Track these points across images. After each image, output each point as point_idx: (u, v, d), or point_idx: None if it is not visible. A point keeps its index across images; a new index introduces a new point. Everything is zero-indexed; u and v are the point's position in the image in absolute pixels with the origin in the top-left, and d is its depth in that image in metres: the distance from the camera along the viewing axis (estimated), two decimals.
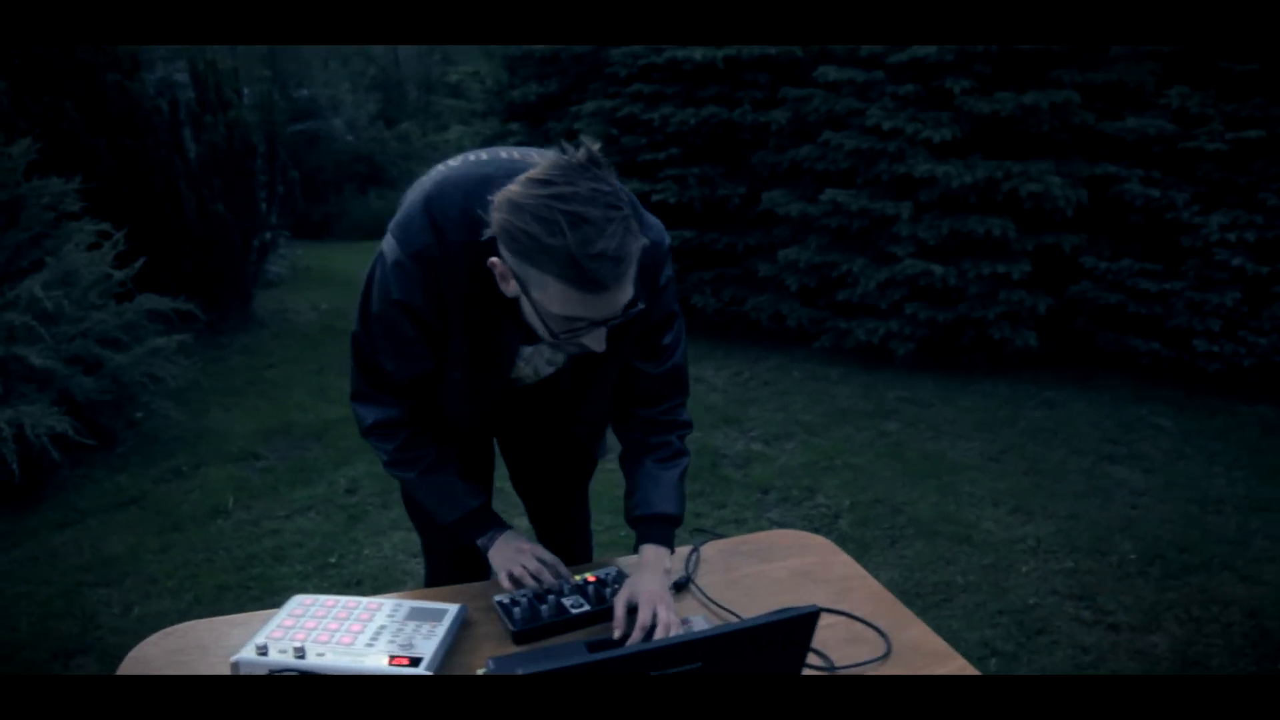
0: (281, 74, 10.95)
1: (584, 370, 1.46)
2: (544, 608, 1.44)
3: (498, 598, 1.48)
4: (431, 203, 1.26)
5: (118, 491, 3.23)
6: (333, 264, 7.38)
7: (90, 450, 3.41)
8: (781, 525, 3.05)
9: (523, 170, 1.18)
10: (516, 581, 1.50)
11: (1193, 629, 2.52)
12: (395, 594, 1.51)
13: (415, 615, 1.41)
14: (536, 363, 1.49)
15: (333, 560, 2.82)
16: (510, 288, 1.20)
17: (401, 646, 1.32)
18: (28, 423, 2.92)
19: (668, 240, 1.43)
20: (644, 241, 1.17)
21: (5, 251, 3.72)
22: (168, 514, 3.09)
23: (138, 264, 3.90)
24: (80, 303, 3.60)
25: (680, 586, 1.55)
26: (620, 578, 1.52)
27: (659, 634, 1.34)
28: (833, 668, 1.36)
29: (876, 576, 2.68)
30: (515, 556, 1.51)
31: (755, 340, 5.04)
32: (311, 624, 1.37)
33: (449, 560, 1.77)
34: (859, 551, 2.88)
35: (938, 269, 4.32)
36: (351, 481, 3.38)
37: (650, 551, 1.47)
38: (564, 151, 1.13)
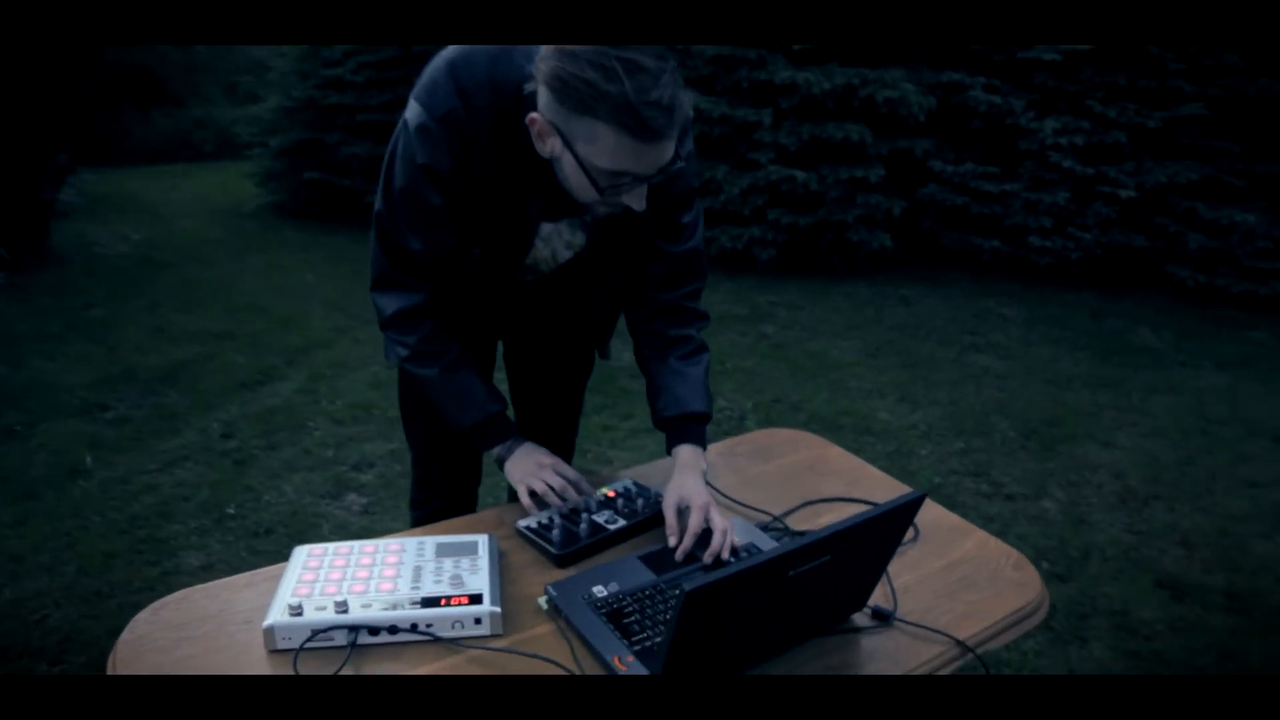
0: None
1: (604, 251, 1.41)
2: (581, 527, 1.37)
3: (522, 522, 1.40)
4: (456, 67, 1.21)
5: None
6: (129, 191, 6.55)
7: None
8: None
9: (542, 46, 1.16)
10: (538, 499, 1.41)
11: (1073, 492, 2.80)
12: (405, 533, 1.38)
13: (446, 551, 1.30)
14: (555, 245, 1.41)
15: (230, 511, 2.55)
16: (549, 145, 1.17)
17: (452, 584, 1.21)
18: None
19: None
20: (691, 94, 1.14)
21: None
22: (13, 480, 2.67)
23: None
24: None
25: None
26: (641, 491, 1.47)
27: (716, 540, 1.31)
28: None
29: None
30: (537, 471, 1.43)
31: None
32: (336, 574, 1.23)
33: (442, 477, 1.68)
34: None
35: (799, 174, 4.42)
36: (225, 425, 3.06)
37: (687, 452, 1.44)
38: None
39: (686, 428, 1.45)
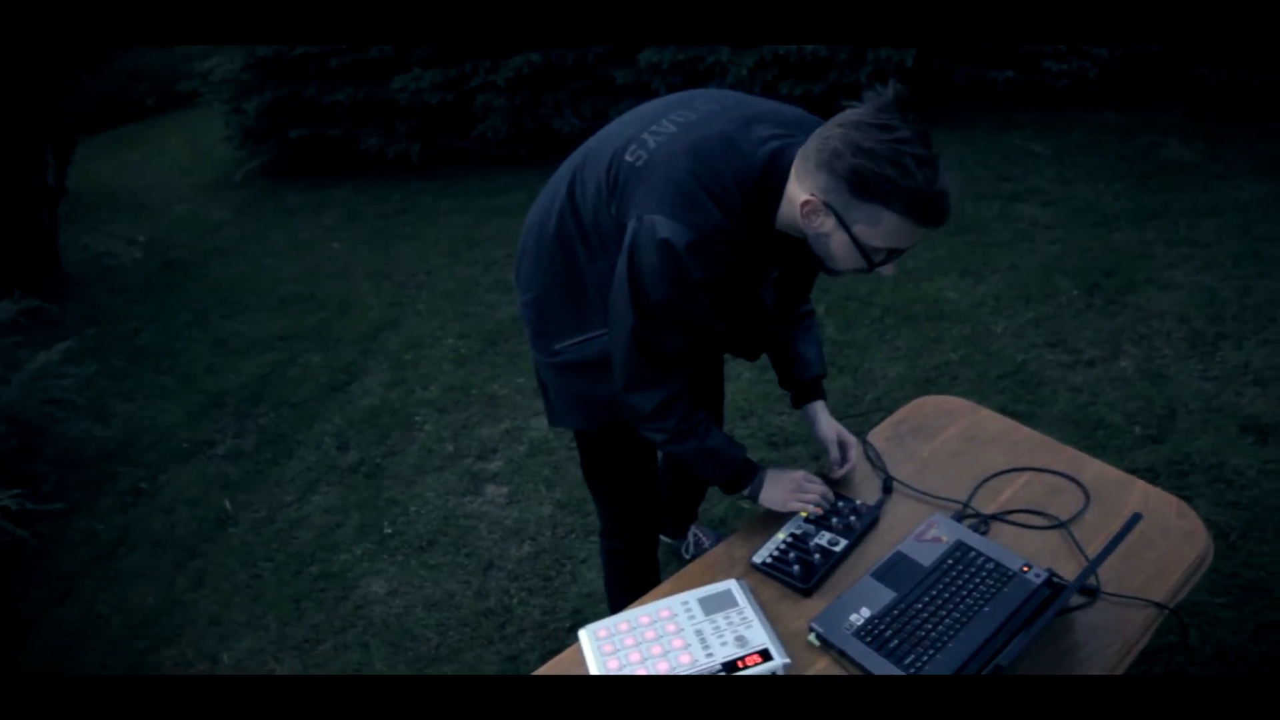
0: None
1: (795, 276, 1.63)
2: (815, 557, 1.53)
3: (757, 558, 1.55)
4: (700, 176, 1.31)
5: (91, 538, 2.88)
6: (99, 179, 6.30)
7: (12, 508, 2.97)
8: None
9: (739, 119, 1.36)
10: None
11: (1146, 346, 2.96)
12: (659, 594, 1.52)
13: (710, 606, 1.46)
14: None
15: (388, 530, 2.71)
16: (816, 223, 1.31)
17: (738, 643, 1.37)
18: None
19: None
20: (959, 179, 1.28)
21: None
22: (168, 542, 2.81)
23: None
24: None
25: (888, 489, 1.67)
26: (848, 504, 1.62)
27: (848, 468, 1.70)
28: (1060, 522, 1.56)
29: (886, 374, 2.95)
30: (794, 494, 1.62)
31: None
32: (635, 656, 1.39)
33: (635, 513, 1.88)
34: (859, 354, 3.11)
35: (807, 46, 4.32)
36: (336, 437, 3.17)
37: (821, 405, 1.76)
38: (876, 92, 1.25)
39: (818, 386, 1.77)
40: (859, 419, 2.79)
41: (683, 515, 2.32)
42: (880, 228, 1.25)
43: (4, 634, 2.57)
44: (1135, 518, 1.32)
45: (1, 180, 4.08)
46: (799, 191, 1.30)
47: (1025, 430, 1.79)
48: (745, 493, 1.62)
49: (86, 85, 9.17)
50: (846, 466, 1.70)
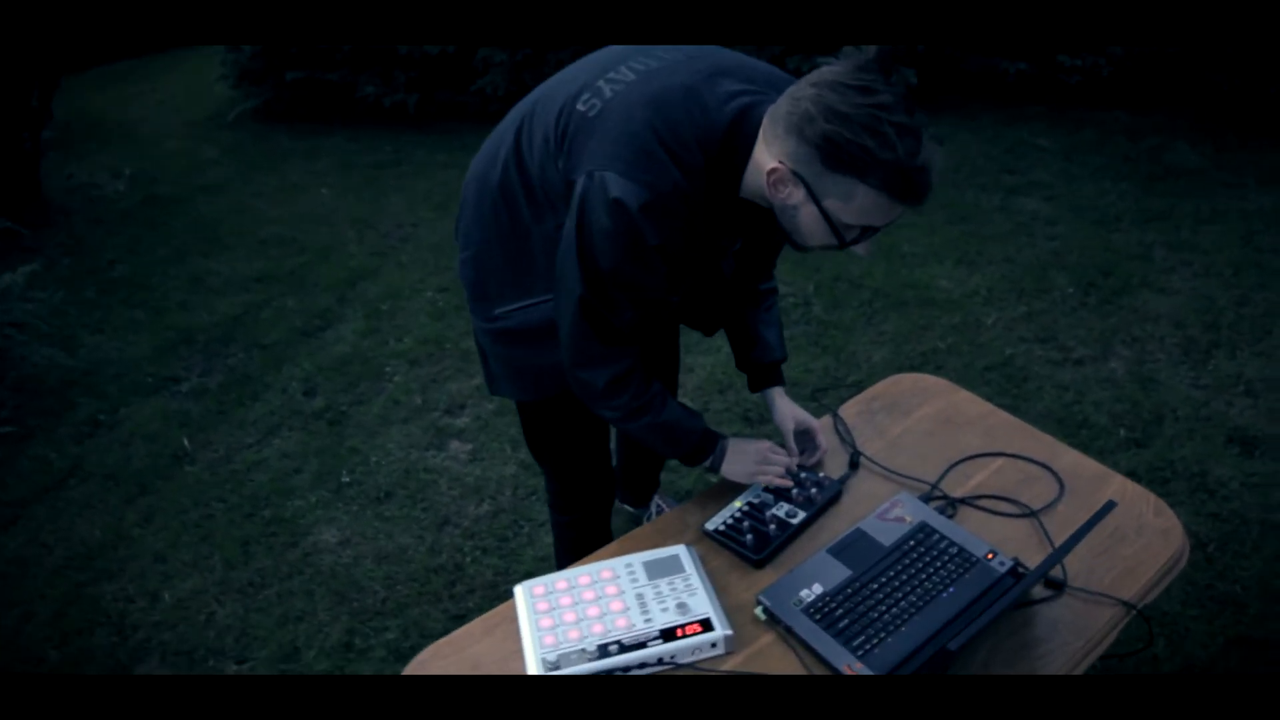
0: None
1: (756, 247, 1.53)
2: (770, 527, 1.46)
3: (709, 525, 1.48)
4: (660, 133, 1.18)
5: (44, 466, 2.80)
6: (95, 109, 6.18)
7: None
8: None
9: (704, 71, 1.22)
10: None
11: (1138, 349, 2.89)
12: (605, 555, 1.46)
13: (655, 571, 1.40)
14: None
15: (345, 479, 2.64)
16: (784, 194, 1.18)
17: (679, 610, 1.31)
18: None
19: None
20: (942, 151, 1.16)
21: None
22: (121, 476, 2.73)
23: None
24: None
25: (854, 464, 1.60)
26: (810, 476, 1.55)
27: (818, 456, 1.60)
28: (1031, 511, 1.49)
29: (869, 358, 2.88)
30: (759, 467, 1.53)
31: None
32: (569, 616, 1.32)
33: (584, 485, 1.80)
34: (845, 336, 3.03)
35: None
36: (304, 383, 3.09)
37: (780, 390, 1.67)
38: (857, 49, 1.13)
39: (777, 371, 1.67)
40: (833, 396, 2.72)
41: (644, 484, 2.24)
42: (854, 203, 1.13)
43: None
44: (1109, 505, 1.24)
45: None
46: (766, 158, 1.17)
47: (1004, 415, 1.72)
48: (706, 465, 1.54)
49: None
50: (818, 454, 1.60)
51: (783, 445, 1.59)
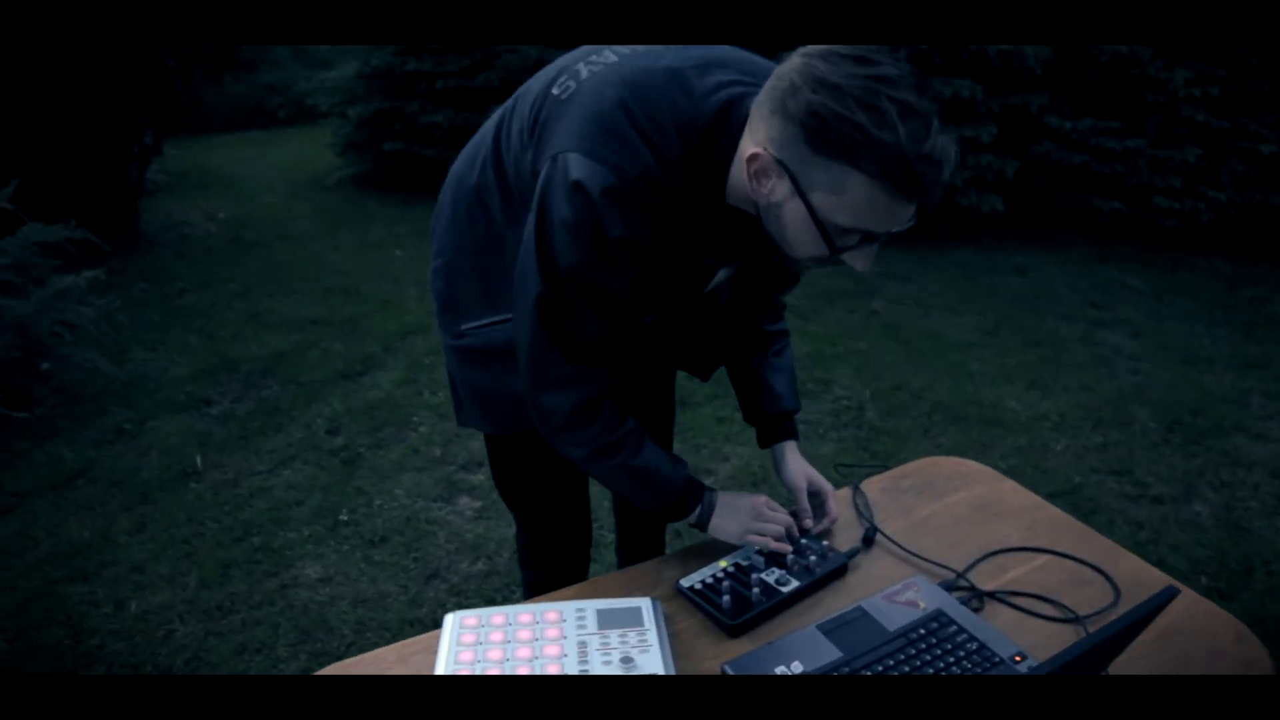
0: None
1: (752, 280, 1.32)
2: (754, 591, 1.25)
3: (685, 582, 1.28)
4: (632, 111, 1.01)
5: (57, 464, 2.76)
6: (208, 165, 6.57)
7: (5, 419, 2.89)
8: (809, 422, 2.94)
9: (695, 59, 1.06)
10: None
11: (1227, 494, 2.58)
12: (561, 595, 1.27)
13: (609, 620, 1.19)
14: (715, 282, 1.29)
15: (344, 518, 2.51)
16: (767, 188, 1.00)
17: (622, 664, 1.10)
18: None
19: None
20: (957, 147, 0.97)
21: None
22: (127, 483, 2.67)
23: (9, 187, 3.26)
24: None
25: (869, 540, 1.39)
26: (812, 544, 1.34)
27: (826, 522, 1.39)
28: (1076, 617, 1.24)
29: None
30: (753, 523, 1.30)
31: None
32: (495, 654, 1.13)
33: (555, 538, 1.56)
34: (897, 444, 2.81)
35: None
36: (329, 421, 3.02)
37: (793, 445, 1.46)
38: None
39: (788, 423, 1.47)
40: (859, 474, 2.47)
41: (644, 549, 2.01)
42: (845, 196, 0.93)
43: None
44: (1169, 592, 0.99)
45: (102, 128, 4.20)
46: (749, 145, 0.99)
47: (1054, 510, 1.49)
48: (691, 521, 1.32)
49: (231, 89, 9.73)
50: (826, 521, 1.38)
51: (785, 506, 1.40)
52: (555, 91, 1.10)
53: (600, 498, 2.38)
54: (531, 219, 1.06)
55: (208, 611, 2.15)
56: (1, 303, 2.94)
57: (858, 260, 1.02)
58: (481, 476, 2.70)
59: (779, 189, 0.98)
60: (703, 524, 1.34)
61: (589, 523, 1.59)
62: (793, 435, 1.48)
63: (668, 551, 2.04)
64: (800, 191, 0.96)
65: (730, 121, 1.03)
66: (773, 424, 1.47)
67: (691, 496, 1.30)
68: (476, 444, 2.86)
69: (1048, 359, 3.33)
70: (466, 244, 1.26)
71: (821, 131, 0.90)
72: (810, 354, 3.40)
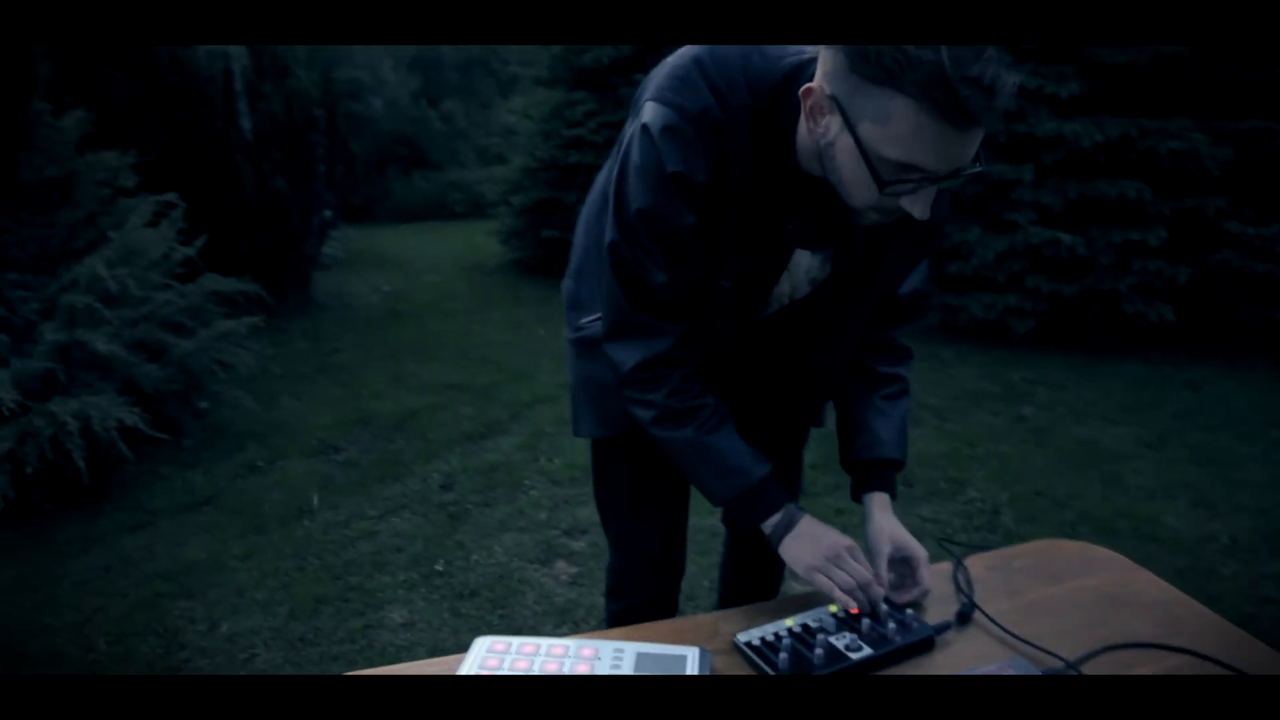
0: (321, 54, 10.68)
1: (848, 285, 1.19)
2: (816, 652, 1.10)
3: (742, 637, 1.15)
4: (703, 63, 1.03)
5: (190, 490, 2.93)
6: (385, 247, 7.10)
7: (155, 445, 3.11)
8: (935, 521, 2.71)
9: (786, 50, 1.04)
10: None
11: None
12: (600, 633, 1.18)
13: (647, 664, 1.08)
14: (798, 277, 1.19)
15: (439, 568, 2.49)
16: (822, 125, 0.97)
17: None
18: (95, 415, 2.62)
19: None
20: (1018, 78, 0.88)
21: (60, 231, 3.44)
22: (248, 514, 2.79)
23: (200, 241, 3.60)
24: (143, 283, 3.30)
25: (965, 617, 1.21)
26: (893, 612, 1.18)
27: (916, 593, 1.22)
28: None
29: None
30: (824, 562, 1.17)
31: None
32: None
33: (647, 567, 1.46)
34: None
35: (1064, 237, 3.93)
36: (445, 477, 3.06)
37: (882, 499, 1.29)
38: None
39: (885, 475, 1.31)
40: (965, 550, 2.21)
41: (750, 586, 1.81)
42: (891, 126, 0.89)
43: (67, 537, 2.62)
44: None
45: (289, 202, 4.62)
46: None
47: (1199, 607, 1.26)
48: (768, 529, 1.20)
49: (418, 185, 10.61)
50: (915, 591, 1.22)
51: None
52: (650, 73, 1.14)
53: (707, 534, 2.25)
54: (615, 172, 1.10)
55: (291, 641, 2.17)
56: (170, 341, 3.21)
57: (915, 205, 0.94)
58: (583, 543, 2.64)
59: (832, 125, 0.95)
60: (774, 541, 1.21)
61: (683, 551, 1.50)
62: (887, 488, 1.31)
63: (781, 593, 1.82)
64: (849, 125, 0.92)
65: (800, 82, 1.00)
66: (865, 472, 1.32)
67: (766, 500, 1.19)
68: (584, 512, 2.81)
69: (1218, 476, 2.95)
70: (593, 244, 1.29)
71: (865, 54, 0.88)
72: (946, 453, 3.17)
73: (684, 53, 1.06)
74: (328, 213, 5.07)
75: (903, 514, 2.74)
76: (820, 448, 2.88)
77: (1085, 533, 2.64)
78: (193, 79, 4.50)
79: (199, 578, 2.43)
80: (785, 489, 1.29)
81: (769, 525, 1.20)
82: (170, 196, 3.43)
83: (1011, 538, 2.62)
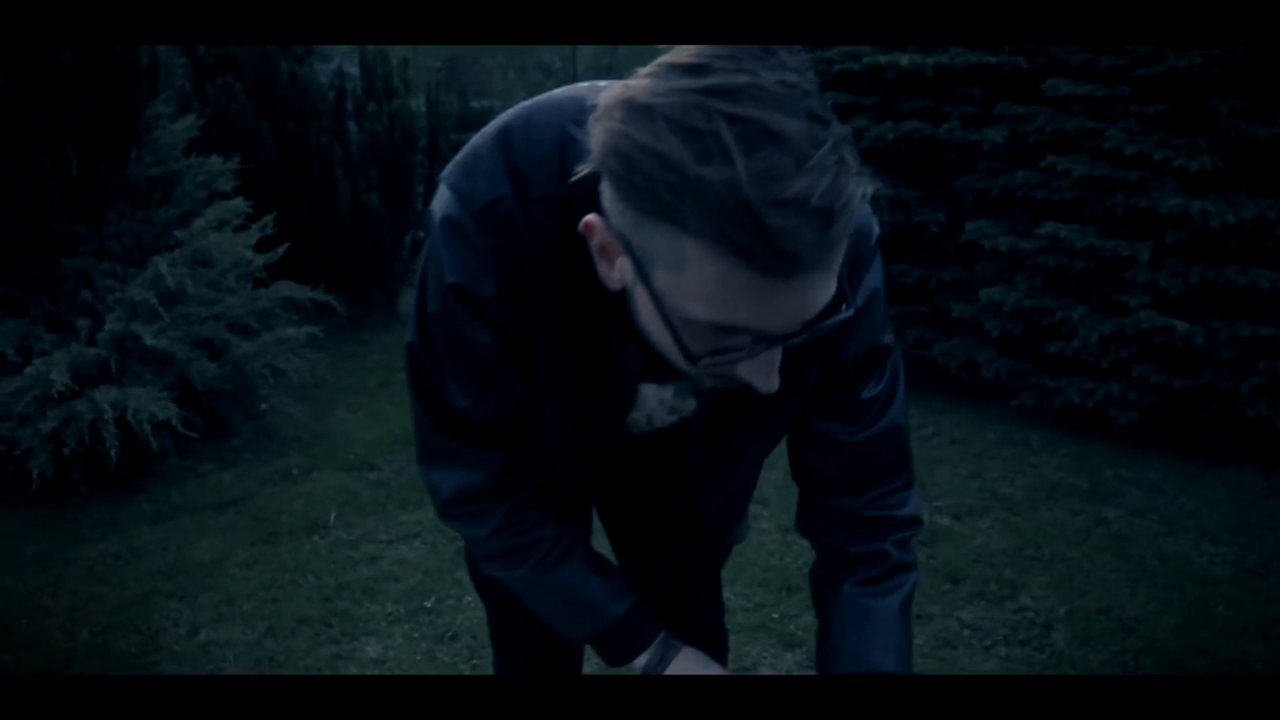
0: (460, 83, 11.08)
1: (724, 424, 0.94)
2: None
3: None
4: (510, 137, 0.79)
5: (220, 490, 2.98)
6: None
7: (204, 441, 3.19)
8: (975, 628, 2.42)
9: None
10: None
11: None
12: None
13: None
14: (651, 408, 0.97)
15: (428, 605, 2.40)
16: (616, 270, 0.71)
17: None
18: (131, 406, 2.69)
19: (877, 227, 0.89)
20: (866, 189, 0.63)
21: (155, 227, 3.61)
22: (265, 522, 2.79)
23: (280, 250, 3.71)
24: (216, 285, 3.42)
25: None
26: None
27: None
28: None
29: None
30: None
31: (941, 390, 4.36)
32: None
33: (529, 649, 1.27)
34: None
35: (1180, 325, 3.53)
36: None
37: None
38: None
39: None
40: None
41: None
42: (688, 274, 0.63)
43: (92, 521, 2.70)
44: None
45: (380, 218, 4.75)
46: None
47: None
48: (639, 669, 1.00)
49: None
50: None
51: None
52: None
53: None
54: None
55: (259, 659, 2.13)
56: (234, 341, 3.30)
57: (755, 374, 0.71)
58: None
59: (625, 269, 0.70)
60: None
61: (576, 664, 1.31)
62: None
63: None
64: (642, 272, 0.67)
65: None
66: None
67: (630, 638, 0.99)
68: None
69: None
70: None
71: (627, 178, 0.62)
72: (1006, 549, 2.86)
73: (499, 122, 0.82)
74: (420, 233, 5.17)
75: (941, 614, 2.48)
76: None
77: (1149, 664, 2.30)
78: (307, 95, 4.70)
79: (197, 580, 2.44)
80: (682, 615, 1.11)
81: (639, 665, 1.00)
82: (238, 202, 3.55)
83: (1061, 661, 2.31)
